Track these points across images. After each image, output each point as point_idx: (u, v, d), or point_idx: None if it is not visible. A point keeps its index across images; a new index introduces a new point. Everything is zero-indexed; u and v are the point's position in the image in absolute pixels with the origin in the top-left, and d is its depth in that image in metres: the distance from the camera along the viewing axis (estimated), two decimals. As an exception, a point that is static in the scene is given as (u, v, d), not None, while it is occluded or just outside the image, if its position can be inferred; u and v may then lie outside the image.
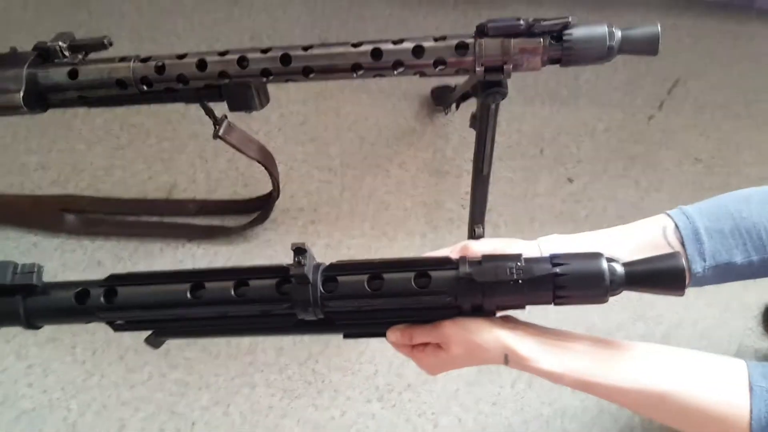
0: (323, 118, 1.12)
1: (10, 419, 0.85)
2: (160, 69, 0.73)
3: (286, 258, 0.96)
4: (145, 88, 0.74)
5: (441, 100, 1.11)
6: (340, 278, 0.62)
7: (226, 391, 0.90)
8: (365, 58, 0.71)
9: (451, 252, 0.68)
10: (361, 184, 1.07)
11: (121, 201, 1.00)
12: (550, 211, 1.08)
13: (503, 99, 0.75)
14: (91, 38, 0.75)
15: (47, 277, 0.93)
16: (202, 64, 0.72)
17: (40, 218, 0.97)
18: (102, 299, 0.64)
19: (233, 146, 0.89)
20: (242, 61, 0.72)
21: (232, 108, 0.76)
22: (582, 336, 0.59)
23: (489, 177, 0.84)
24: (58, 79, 0.75)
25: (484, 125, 0.78)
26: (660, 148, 1.16)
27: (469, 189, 1.07)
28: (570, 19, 0.68)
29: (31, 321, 0.66)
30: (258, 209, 1.01)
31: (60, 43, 0.74)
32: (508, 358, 0.57)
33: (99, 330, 0.92)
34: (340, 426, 0.89)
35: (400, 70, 0.71)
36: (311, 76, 0.73)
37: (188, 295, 0.63)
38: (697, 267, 0.62)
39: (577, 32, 0.68)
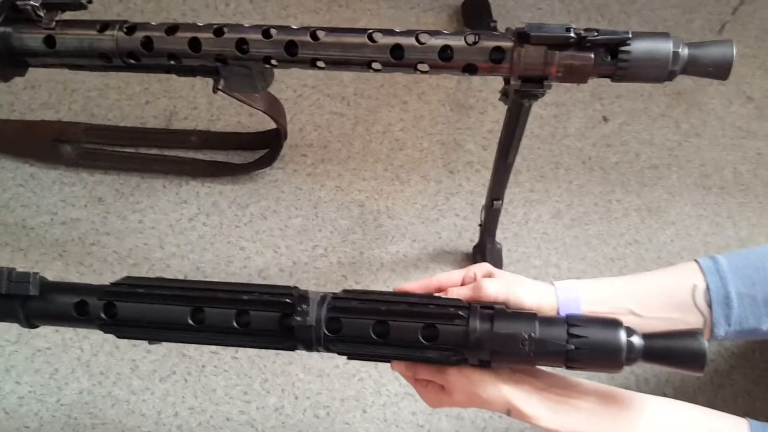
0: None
1: (26, 357, 0.88)
2: (148, 45, 0.63)
3: (294, 200, 0.93)
4: (132, 62, 0.65)
5: (473, 18, 0.98)
6: (344, 320, 0.60)
7: (234, 337, 0.92)
8: (383, 54, 0.61)
9: (464, 276, 0.65)
10: (375, 117, 0.99)
11: (118, 130, 0.93)
12: (578, 155, 1.00)
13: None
14: (67, -7, 0.64)
15: (46, 212, 0.91)
16: (195, 45, 0.62)
17: (35, 147, 0.91)
18: (102, 313, 0.63)
19: (238, 99, 0.81)
20: (241, 45, 0.62)
21: (231, 89, 0.67)
22: (590, 390, 0.58)
23: (513, 163, 0.77)
24: (33, 46, 0.65)
25: (513, 119, 0.69)
26: (710, 82, 1.04)
27: (492, 127, 1.00)
28: (630, 34, 0.56)
29: (31, 322, 0.66)
30: (264, 146, 0.94)
31: (32, 2, 0.63)
32: (510, 412, 0.57)
33: (110, 275, 0.91)
34: (344, 374, 0.92)
35: (424, 70, 0.61)
36: (320, 66, 0.63)
37: (189, 320, 0.62)
38: (720, 331, 0.59)
39: (637, 48, 0.57)
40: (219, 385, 0.91)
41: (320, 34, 0.61)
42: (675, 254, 0.98)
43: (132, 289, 0.64)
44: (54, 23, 0.64)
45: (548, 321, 0.54)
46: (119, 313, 0.63)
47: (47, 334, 0.90)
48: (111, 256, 0.92)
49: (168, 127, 0.95)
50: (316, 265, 0.94)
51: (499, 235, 0.93)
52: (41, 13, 0.64)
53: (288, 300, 0.61)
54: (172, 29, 0.62)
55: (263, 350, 0.92)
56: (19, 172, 0.92)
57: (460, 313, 0.56)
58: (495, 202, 0.83)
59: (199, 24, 0.63)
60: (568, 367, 0.54)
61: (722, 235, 0.99)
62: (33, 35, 0.64)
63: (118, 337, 0.64)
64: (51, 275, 0.62)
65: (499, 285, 0.60)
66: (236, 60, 0.63)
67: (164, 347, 0.91)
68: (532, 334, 0.53)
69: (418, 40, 0.59)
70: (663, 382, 0.93)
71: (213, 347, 0.92)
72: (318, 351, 0.61)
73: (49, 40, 0.64)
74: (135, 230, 0.92)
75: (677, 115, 1.03)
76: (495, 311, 0.55)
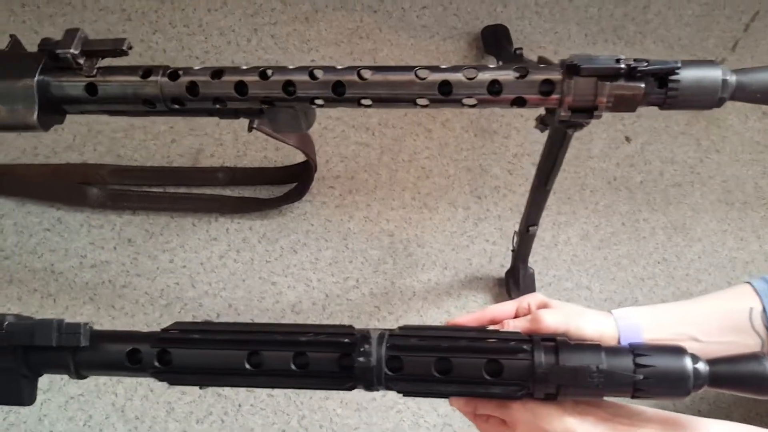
0: (358, 63, 1.00)
1: (59, 404, 0.87)
2: (193, 90, 0.63)
3: (324, 232, 0.93)
4: (176, 107, 0.64)
5: (493, 45, 0.99)
6: (405, 358, 0.59)
7: (269, 374, 0.91)
8: (430, 91, 0.61)
9: (517, 307, 0.65)
10: (400, 146, 0.99)
11: (145, 170, 0.93)
12: (603, 176, 1.01)
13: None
14: (107, 41, 0.64)
15: (75, 256, 0.90)
16: (241, 88, 0.62)
17: (61, 191, 0.90)
18: (156, 361, 0.62)
19: (271, 136, 0.81)
20: (288, 86, 0.62)
21: (275, 129, 0.67)
22: (653, 417, 0.58)
23: (551, 189, 0.77)
24: (74, 93, 0.64)
25: (555, 147, 0.70)
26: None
27: (516, 152, 1.00)
28: (679, 63, 0.57)
29: (81, 373, 0.65)
30: (292, 179, 0.94)
31: (72, 51, 0.63)
32: None
33: (142, 317, 0.90)
34: (381, 407, 0.91)
35: (470, 104, 0.61)
36: (365, 104, 0.63)
37: (246, 364, 0.61)
38: None
39: (686, 77, 0.58)
40: (256, 424, 0.89)
41: (367, 73, 0.61)
42: (702, 270, 0.99)
43: (185, 334, 0.63)
44: (95, 71, 0.64)
45: (613, 351, 0.54)
46: (174, 360, 0.62)
47: (80, 380, 0.88)
48: (143, 297, 0.91)
49: (195, 165, 0.94)
50: (348, 297, 0.94)
51: (529, 259, 0.93)
52: (81, 61, 0.64)
53: (347, 340, 0.60)
54: (217, 73, 0.62)
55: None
56: (46, 217, 0.91)
57: (523, 346, 0.55)
58: (531, 228, 0.84)
59: (243, 67, 0.63)
60: (634, 397, 0.54)
61: (747, 249, 1.00)
62: (74, 83, 0.64)
63: (171, 384, 0.64)
64: (82, 320, 0.62)
65: (559, 316, 0.60)
66: (283, 102, 0.63)
67: (198, 388, 0.89)
68: (600, 366, 0.53)
69: (466, 76, 0.59)
70: (698, 399, 0.94)
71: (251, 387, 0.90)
72: (377, 390, 0.60)
73: (91, 88, 0.64)
74: (166, 270, 0.92)
75: (697, 132, 1.04)
76: (558, 343, 0.55)
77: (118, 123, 0.94)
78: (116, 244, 0.92)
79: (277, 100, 0.63)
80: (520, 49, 0.87)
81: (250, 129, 0.79)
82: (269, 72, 0.62)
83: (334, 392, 0.91)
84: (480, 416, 0.60)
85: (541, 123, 0.73)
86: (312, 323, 0.65)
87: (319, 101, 0.63)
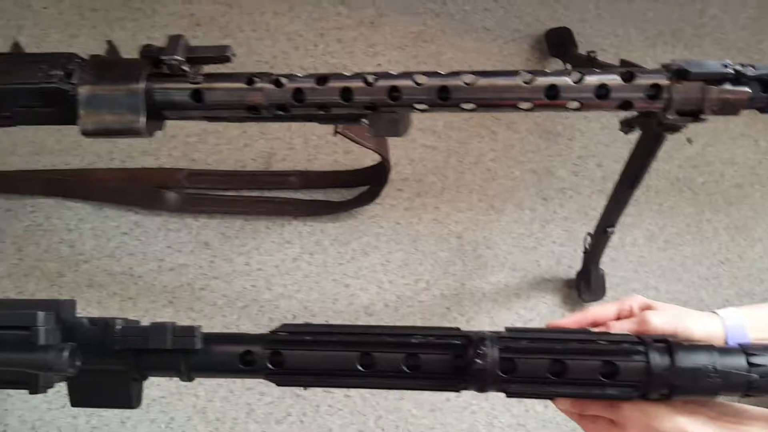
0: (423, 66, 1.01)
1: (141, 407, 0.88)
2: (299, 97, 0.64)
3: (394, 235, 0.94)
4: (279, 113, 0.65)
5: (558, 47, 1.00)
6: (518, 360, 0.60)
7: (345, 375, 0.92)
8: (537, 95, 0.62)
9: (619, 310, 0.65)
10: (466, 148, 1.00)
11: (220, 174, 0.94)
12: (666, 177, 1.02)
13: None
14: (211, 48, 0.64)
15: (153, 259, 0.92)
16: (347, 94, 0.63)
17: (138, 195, 0.91)
18: (268, 363, 0.63)
19: (353, 140, 0.82)
20: (393, 92, 0.63)
21: (374, 133, 0.67)
22: (757, 415, 0.59)
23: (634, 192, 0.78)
24: (179, 100, 0.65)
25: (647, 150, 0.71)
26: (785, 99, 1.06)
27: (581, 153, 1.01)
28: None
29: (191, 375, 0.66)
30: (363, 182, 0.95)
31: (178, 57, 0.64)
32: None
33: (220, 319, 0.91)
34: (456, 407, 0.93)
35: (576, 109, 0.63)
36: (467, 108, 0.64)
37: (357, 365, 0.62)
38: None
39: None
40: (335, 424, 0.91)
41: (471, 78, 0.62)
42: (765, 270, 1.00)
43: (296, 336, 0.64)
44: (201, 77, 0.65)
45: (725, 351, 0.55)
46: (286, 361, 0.63)
47: (161, 382, 0.90)
48: (221, 300, 0.92)
49: (267, 169, 0.95)
50: (419, 299, 0.95)
51: (598, 260, 0.94)
52: (185, 68, 0.65)
53: (459, 342, 0.61)
54: (322, 80, 0.63)
55: (374, 390, 0.92)
56: (124, 221, 0.92)
57: (638, 348, 0.56)
58: (608, 229, 0.85)
59: (346, 73, 0.64)
60: (745, 396, 0.55)
61: (809, 248, 1.02)
62: (179, 90, 0.65)
63: (282, 385, 0.65)
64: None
65: (666, 317, 0.61)
66: (386, 107, 0.64)
67: (278, 389, 0.90)
68: (716, 366, 0.54)
69: (573, 80, 0.60)
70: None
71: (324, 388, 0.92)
72: (487, 391, 0.61)
73: (197, 95, 0.65)
74: (242, 273, 0.93)
75: (755, 133, 1.05)
76: (671, 344, 0.56)
77: (191, 128, 0.95)
78: (193, 248, 0.93)
79: (381, 106, 0.64)
80: (594, 52, 0.88)
81: (335, 133, 0.81)
82: (375, 78, 0.63)
83: (408, 393, 0.92)
84: (586, 417, 0.61)
85: (628, 125, 0.75)
86: (413, 325, 0.66)
87: (421, 106, 0.64)
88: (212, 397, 0.89)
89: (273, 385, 0.89)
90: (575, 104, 0.62)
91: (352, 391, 0.92)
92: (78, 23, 0.95)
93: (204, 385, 0.89)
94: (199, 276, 0.92)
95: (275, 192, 0.95)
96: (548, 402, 0.94)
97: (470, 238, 0.97)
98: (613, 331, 0.63)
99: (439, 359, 0.61)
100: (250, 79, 0.64)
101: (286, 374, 0.64)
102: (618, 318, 0.65)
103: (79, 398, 0.67)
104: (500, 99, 0.63)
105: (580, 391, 0.59)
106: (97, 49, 0.68)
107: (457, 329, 0.62)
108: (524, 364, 0.59)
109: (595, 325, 0.65)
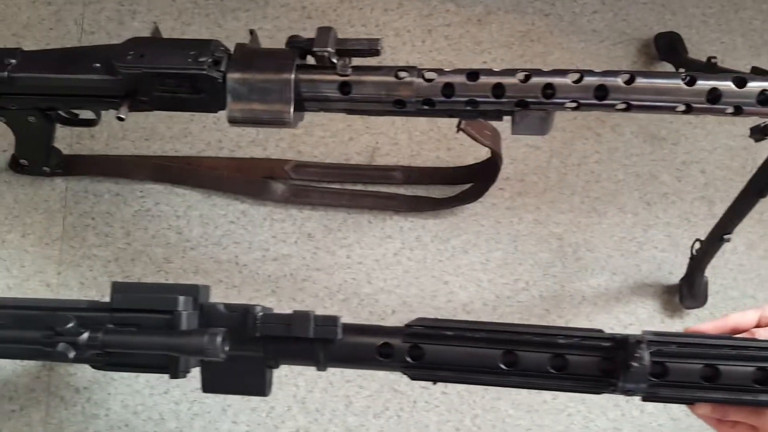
0: (530, 66, 1.00)
1: (242, 395, 0.88)
2: (448, 92, 0.63)
3: (494, 234, 0.93)
4: (425, 108, 0.65)
5: (668, 51, 0.98)
6: (670, 365, 0.60)
7: (443, 372, 0.92)
8: (698, 98, 0.61)
9: (760, 316, 0.65)
10: (569, 149, 0.99)
11: (325, 167, 0.94)
12: None
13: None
14: (362, 41, 0.65)
15: (258, 249, 0.92)
16: (498, 90, 0.63)
17: (246, 184, 0.92)
18: (407, 356, 0.63)
19: (473, 137, 0.82)
20: (547, 89, 0.63)
21: (516, 131, 0.67)
22: None
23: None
24: (326, 92, 0.66)
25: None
26: None
27: (685, 159, 1.00)
28: None
29: (327, 365, 0.67)
30: (467, 179, 0.95)
31: (329, 49, 0.64)
32: None
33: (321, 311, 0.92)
34: (552, 409, 0.92)
35: (730, 112, 0.62)
36: (620, 108, 0.63)
37: (500, 363, 0.62)
38: None
39: None
40: (431, 420, 0.90)
41: (629, 78, 0.62)
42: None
43: (437, 330, 0.64)
44: (350, 70, 0.65)
45: None
46: (426, 355, 0.63)
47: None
48: (322, 291, 0.92)
49: (371, 164, 0.96)
50: (518, 299, 0.94)
51: (699, 268, 0.93)
52: (334, 60, 0.65)
53: (609, 344, 0.61)
54: (473, 75, 0.63)
55: (471, 387, 0.92)
56: (231, 210, 0.93)
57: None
58: (725, 237, 0.84)
59: (495, 69, 0.64)
60: None
61: None
62: (328, 82, 0.65)
63: (414, 379, 0.65)
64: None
65: None
66: (538, 104, 0.63)
67: (376, 383, 0.91)
68: None
69: (737, 84, 0.59)
70: None
71: (424, 382, 0.91)
72: (634, 395, 0.61)
73: (345, 87, 0.65)
74: (343, 265, 0.93)
75: None
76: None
77: (298, 119, 0.95)
78: (297, 239, 0.93)
79: (532, 103, 0.63)
80: (714, 58, 0.87)
81: (458, 130, 0.81)
82: (530, 75, 0.62)
83: (506, 393, 0.92)
84: (725, 422, 0.60)
85: (760, 133, 0.73)
86: (552, 325, 0.66)
87: (572, 104, 0.64)
88: (312, 387, 0.90)
89: (371, 378, 0.90)
90: (731, 109, 0.62)
91: (450, 388, 0.92)
92: (191, 11, 0.96)
93: (304, 375, 0.90)
94: (302, 267, 0.92)
95: (378, 186, 0.95)
96: (644, 406, 0.94)
97: (571, 240, 0.96)
98: (758, 337, 0.63)
99: (587, 361, 0.60)
100: (399, 72, 0.64)
101: (423, 368, 0.64)
102: (758, 326, 0.64)
103: (211, 384, 0.68)
104: (658, 101, 0.62)
105: (731, 397, 0.58)
106: (210, 37, 0.69)
107: (601, 331, 0.62)
108: (676, 368, 0.59)
109: (736, 331, 0.64)
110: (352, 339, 0.64)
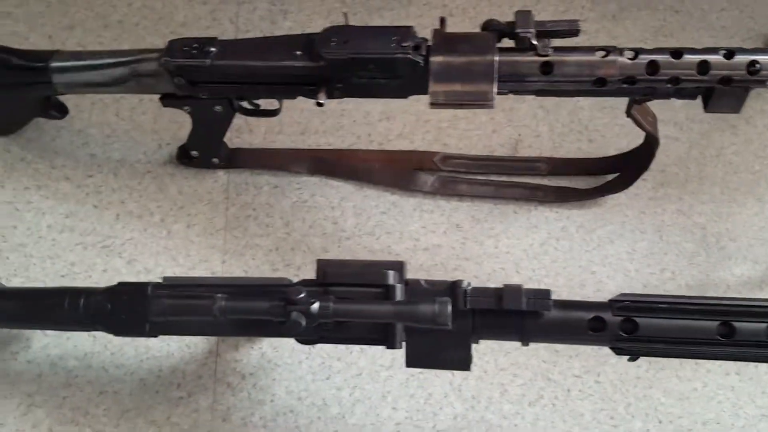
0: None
1: (400, 382, 0.89)
2: (652, 69, 0.65)
3: (638, 224, 0.94)
4: (624, 86, 0.67)
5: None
6: None
7: (595, 360, 0.92)
8: None
9: None
10: (708, 141, 1.00)
11: (471, 158, 0.96)
12: None
13: None
14: (562, 22, 0.67)
15: (409, 239, 0.94)
16: (704, 67, 0.65)
17: (396, 176, 0.94)
18: (619, 330, 0.64)
19: (638, 123, 0.83)
20: (751, 66, 0.64)
21: (711, 109, 0.69)
22: None
23: None
24: (526, 72, 0.68)
25: None
26: None
27: (821, 149, 1.01)
28: None
29: (531, 340, 0.67)
30: (611, 170, 0.96)
31: (531, 30, 0.66)
32: None
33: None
34: (702, 396, 0.92)
35: None
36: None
37: (717, 336, 0.62)
38: None
39: None
40: (586, 409, 0.91)
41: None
42: None
43: (647, 304, 0.65)
44: (551, 50, 0.67)
45: None
46: (639, 329, 0.64)
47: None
48: (472, 280, 0.91)
49: (514, 155, 0.97)
50: (665, 288, 0.95)
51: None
52: (534, 42, 0.68)
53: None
54: (677, 53, 0.65)
55: (623, 376, 0.92)
56: (382, 201, 0.95)
57: None
58: None
59: (698, 48, 0.66)
60: None
61: None
62: (529, 62, 0.68)
63: (620, 353, 0.66)
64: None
65: None
66: (741, 82, 0.65)
67: (530, 371, 0.91)
68: None
69: None
70: None
71: (577, 371, 0.92)
72: None
73: (546, 67, 0.67)
74: (492, 255, 0.94)
75: None
76: None
77: (443, 114, 0.98)
78: (446, 229, 0.95)
79: (736, 81, 0.65)
80: None
81: (628, 114, 0.82)
82: (735, 53, 0.64)
83: (657, 381, 0.92)
84: None
85: None
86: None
87: (773, 81, 0.65)
88: (467, 375, 0.91)
89: (525, 366, 0.91)
90: None
91: (602, 377, 0.92)
92: (339, 10, 0.99)
93: (460, 362, 0.90)
94: (452, 256, 0.94)
95: (522, 178, 0.97)
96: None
97: (714, 230, 0.97)
98: None
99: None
100: (604, 51, 0.67)
101: (636, 341, 0.64)
102: None
103: (416, 359, 0.69)
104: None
105: None
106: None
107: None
108: None
109: None
110: (562, 313, 0.65)
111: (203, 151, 0.87)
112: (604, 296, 0.94)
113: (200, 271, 0.89)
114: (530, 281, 0.94)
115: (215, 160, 0.88)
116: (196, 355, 0.88)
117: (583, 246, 0.96)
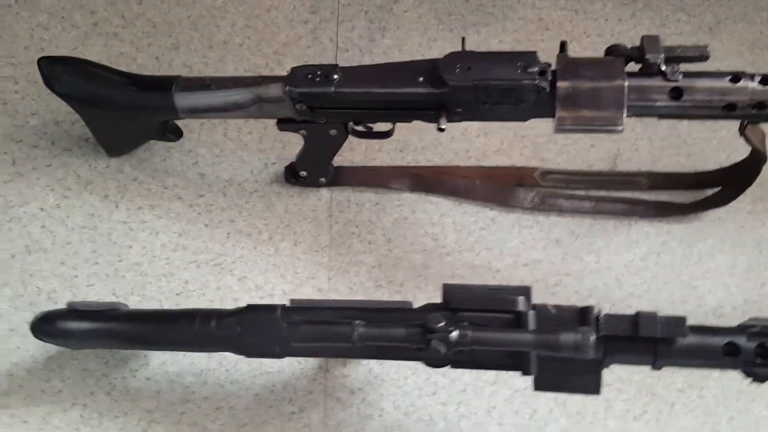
0: (760, 72, 1.02)
1: (505, 397, 0.90)
2: (782, 89, 0.65)
3: (738, 238, 0.93)
4: (753, 112, 0.67)
5: None
6: None
7: (698, 374, 0.92)
8: None
9: None
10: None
11: (570, 173, 0.96)
12: None
13: None
14: (690, 48, 0.67)
15: (509, 255, 0.94)
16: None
17: (495, 192, 0.95)
18: (754, 355, 0.64)
19: (749, 141, 0.82)
20: None
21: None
22: None
23: None
24: (654, 97, 0.68)
25: None
26: None
27: None
28: None
29: (663, 364, 0.68)
30: (712, 184, 0.96)
31: (660, 55, 0.66)
32: None
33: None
34: (806, 413, 0.91)
35: None
36: None
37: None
38: None
39: None
40: (689, 423, 0.91)
41: None
42: None
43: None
44: (680, 75, 0.67)
45: None
46: (780, 353, 0.64)
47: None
48: (574, 296, 0.94)
49: (613, 170, 0.97)
50: (766, 303, 0.94)
51: None
52: (662, 67, 0.68)
53: None
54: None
55: (725, 390, 0.92)
56: (481, 216, 0.96)
57: None
58: None
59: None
60: None
61: None
62: (657, 88, 0.68)
63: (756, 380, 0.66)
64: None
65: None
66: None
67: (633, 387, 0.92)
68: None
69: None
70: None
71: (680, 386, 0.92)
72: None
73: (675, 92, 0.67)
74: (592, 270, 0.95)
75: None
76: None
77: (541, 128, 0.98)
78: (546, 245, 0.95)
79: None
80: None
81: (741, 133, 0.82)
82: None
83: (760, 395, 0.92)
84: None
85: None
86: None
87: None
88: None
89: (629, 382, 0.91)
90: None
91: (705, 391, 0.92)
92: (436, 27, 1.00)
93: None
94: (552, 272, 0.95)
95: (621, 192, 0.97)
96: None
97: (815, 245, 0.96)
98: None
99: None
100: (735, 76, 0.66)
101: (768, 366, 0.64)
102: None
103: (545, 383, 0.70)
104: None
105: None
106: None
107: None
108: None
109: None
110: (696, 338, 0.66)
111: (312, 171, 0.89)
112: (705, 311, 0.95)
113: (308, 288, 0.91)
114: (632, 296, 0.94)
115: (323, 179, 0.90)
116: (306, 371, 0.89)
117: (683, 261, 0.96)
